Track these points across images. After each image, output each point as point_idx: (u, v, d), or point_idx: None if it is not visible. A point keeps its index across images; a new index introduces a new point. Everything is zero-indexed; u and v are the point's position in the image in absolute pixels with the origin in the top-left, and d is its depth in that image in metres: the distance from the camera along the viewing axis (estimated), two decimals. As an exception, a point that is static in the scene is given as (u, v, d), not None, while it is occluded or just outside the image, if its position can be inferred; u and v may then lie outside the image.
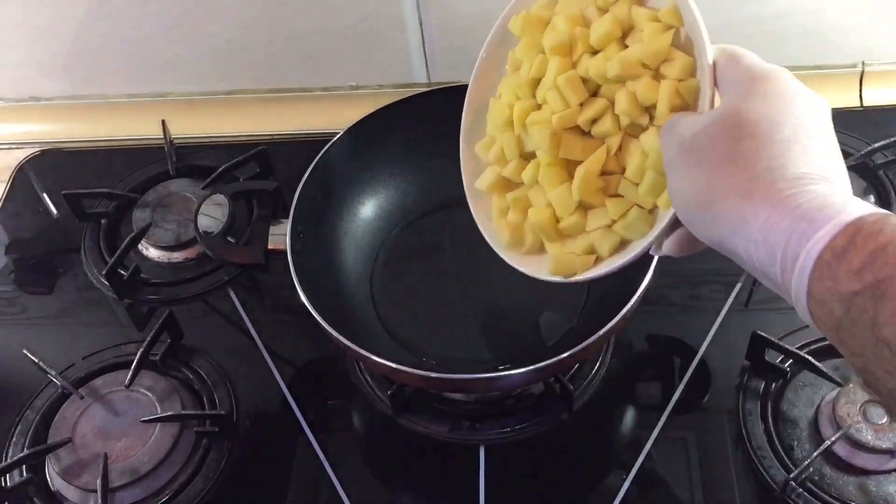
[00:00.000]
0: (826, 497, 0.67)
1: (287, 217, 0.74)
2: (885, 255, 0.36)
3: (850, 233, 0.38)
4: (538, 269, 0.60)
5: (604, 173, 0.55)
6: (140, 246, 0.90)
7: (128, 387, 0.77)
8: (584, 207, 0.57)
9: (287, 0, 0.92)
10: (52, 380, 0.78)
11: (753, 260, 0.42)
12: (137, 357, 0.78)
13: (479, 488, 0.71)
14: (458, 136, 0.86)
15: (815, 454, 0.68)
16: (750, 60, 0.47)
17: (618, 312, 0.66)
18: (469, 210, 0.66)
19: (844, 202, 0.40)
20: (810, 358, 0.73)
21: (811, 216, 0.39)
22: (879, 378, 0.37)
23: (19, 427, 0.77)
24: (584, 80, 0.55)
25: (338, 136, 0.80)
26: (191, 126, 1.01)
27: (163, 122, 0.98)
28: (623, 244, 0.56)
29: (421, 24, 0.94)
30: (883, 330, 0.36)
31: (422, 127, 0.85)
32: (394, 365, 0.67)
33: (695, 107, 0.50)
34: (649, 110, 0.53)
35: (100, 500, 0.70)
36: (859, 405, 0.69)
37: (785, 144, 0.43)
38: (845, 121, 0.93)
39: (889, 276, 0.36)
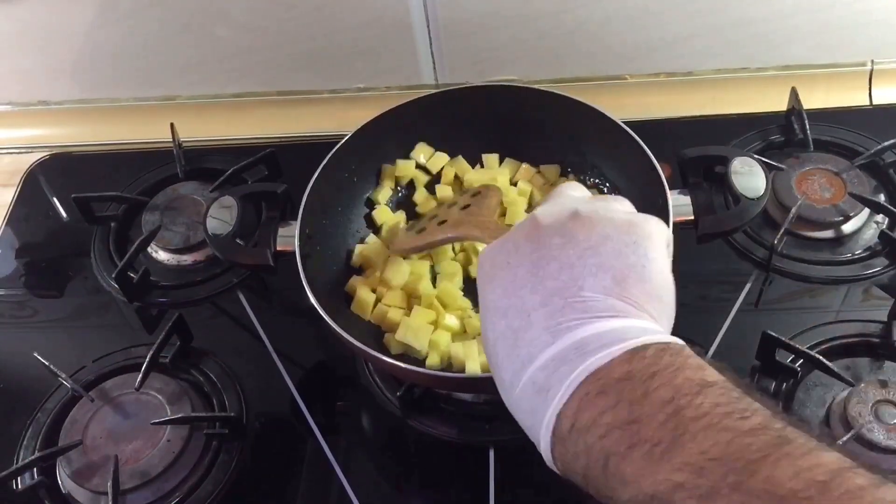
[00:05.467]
0: (838, 497, 0.67)
1: (296, 219, 0.74)
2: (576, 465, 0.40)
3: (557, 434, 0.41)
4: None
5: None
6: (149, 249, 0.91)
7: (138, 389, 0.77)
8: None
9: (295, 3, 0.93)
10: (62, 382, 0.78)
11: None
12: (147, 359, 0.78)
13: (489, 490, 0.71)
14: (464, 137, 0.87)
15: (826, 454, 0.67)
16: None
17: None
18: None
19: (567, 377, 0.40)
20: (821, 358, 0.72)
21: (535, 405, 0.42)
22: None
23: (30, 430, 0.77)
24: None
25: (346, 137, 0.80)
26: (199, 129, 1.01)
27: (171, 125, 0.98)
28: None
29: (428, 26, 0.94)
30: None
31: (430, 128, 0.85)
32: (403, 365, 0.67)
33: None
34: None
35: (110, 503, 0.70)
36: (871, 405, 0.69)
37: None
38: (855, 119, 0.93)
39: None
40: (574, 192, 0.54)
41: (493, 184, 0.78)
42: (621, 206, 0.51)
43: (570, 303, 0.43)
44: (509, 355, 0.43)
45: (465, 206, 0.71)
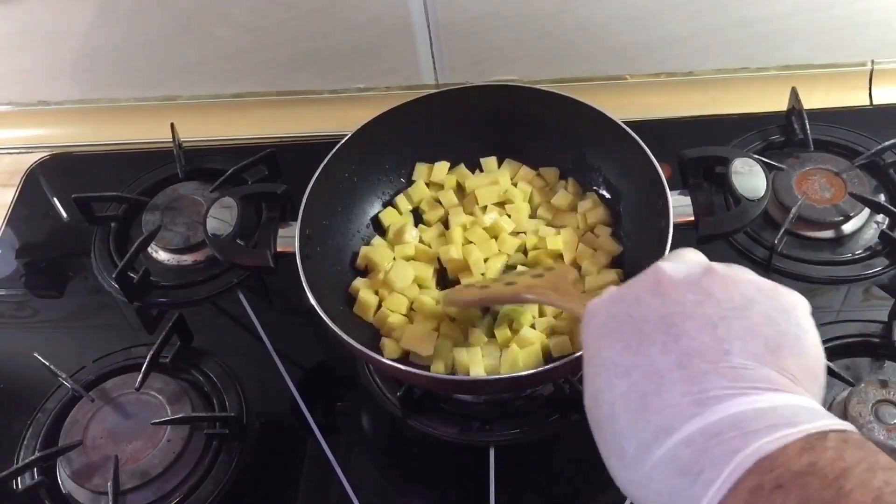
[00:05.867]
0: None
1: (296, 219, 0.74)
2: None
3: None
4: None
5: None
6: (150, 249, 0.91)
7: (138, 389, 0.77)
8: None
9: (295, 3, 0.93)
10: (62, 383, 0.78)
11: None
12: (147, 360, 0.78)
13: (489, 490, 0.71)
14: (465, 137, 0.86)
15: (826, 454, 0.67)
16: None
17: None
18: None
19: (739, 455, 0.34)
20: (821, 358, 0.72)
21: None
22: None
23: (30, 430, 0.77)
24: None
25: (346, 138, 0.80)
26: (199, 129, 1.01)
27: (172, 125, 0.98)
28: None
29: (428, 26, 0.94)
30: None
31: (430, 128, 0.85)
32: (404, 368, 0.67)
33: None
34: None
35: (110, 503, 0.70)
36: (871, 405, 0.69)
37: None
38: (855, 119, 0.93)
39: None
40: (696, 257, 0.47)
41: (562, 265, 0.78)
42: (751, 273, 0.45)
43: (717, 368, 0.37)
44: (636, 422, 0.37)
45: (537, 276, 0.71)
